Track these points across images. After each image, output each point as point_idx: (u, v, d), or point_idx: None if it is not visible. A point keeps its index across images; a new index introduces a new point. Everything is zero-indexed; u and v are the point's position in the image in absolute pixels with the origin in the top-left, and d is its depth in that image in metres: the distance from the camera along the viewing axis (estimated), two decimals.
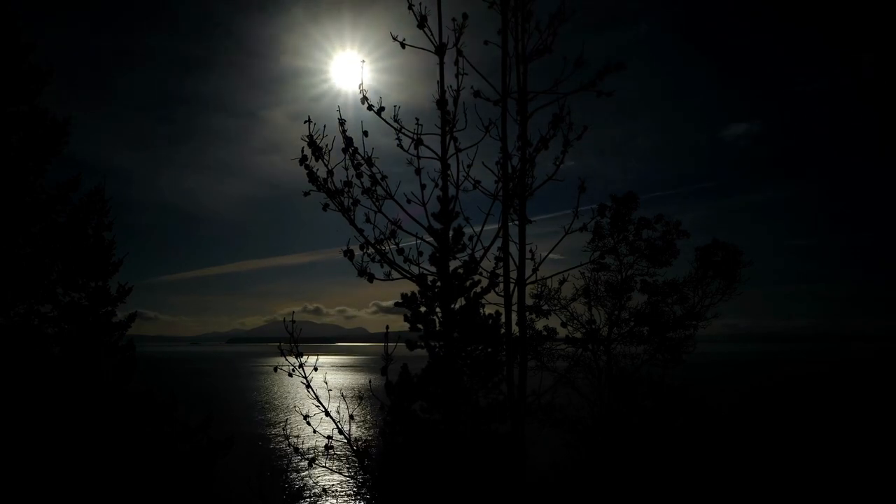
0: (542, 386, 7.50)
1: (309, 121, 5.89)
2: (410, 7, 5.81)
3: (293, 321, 5.99)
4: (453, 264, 6.39)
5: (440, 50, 6.04)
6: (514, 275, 6.82)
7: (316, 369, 6.19)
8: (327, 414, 6.38)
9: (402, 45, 5.94)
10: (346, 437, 6.42)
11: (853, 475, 25.65)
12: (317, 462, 6.79)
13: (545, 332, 19.37)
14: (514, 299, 6.83)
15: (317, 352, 7.00)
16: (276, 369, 6.15)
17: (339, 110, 5.91)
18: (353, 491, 27.78)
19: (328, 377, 6.52)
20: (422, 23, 5.92)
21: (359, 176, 6.04)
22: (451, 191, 6.30)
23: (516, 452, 6.88)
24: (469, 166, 6.33)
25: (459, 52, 5.92)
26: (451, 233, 6.32)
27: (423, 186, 6.17)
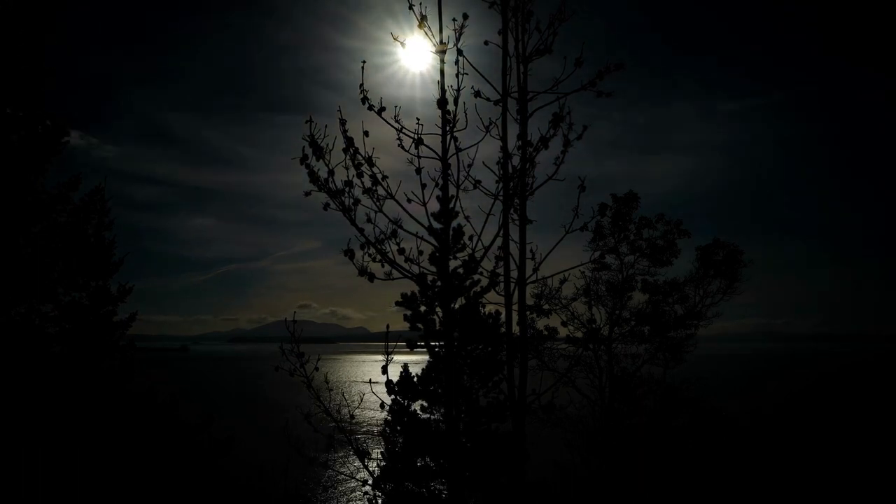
0: (543, 385, 7.50)
1: (310, 120, 5.90)
2: (411, 7, 5.82)
3: (294, 321, 6.01)
4: (453, 264, 6.39)
5: (440, 50, 6.04)
6: (514, 274, 6.83)
7: (317, 369, 6.20)
8: (328, 413, 6.39)
9: (402, 45, 5.95)
10: (346, 437, 6.43)
11: (856, 475, 25.62)
12: (318, 461, 6.81)
13: (546, 332, 19.28)
14: (515, 298, 6.85)
15: (318, 351, 7.01)
16: (277, 369, 6.16)
17: (339, 110, 5.92)
18: (354, 490, 27.79)
19: (329, 376, 6.53)
20: (422, 23, 5.92)
21: (359, 176, 6.05)
22: (452, 190, 6.30)
23: (517, 452, 6.89)
24: (469, 166, 6.34)
25: (460, 52, 5.92)
26: (451, 232, 6.32)
27: (423, 186, 6.18)
